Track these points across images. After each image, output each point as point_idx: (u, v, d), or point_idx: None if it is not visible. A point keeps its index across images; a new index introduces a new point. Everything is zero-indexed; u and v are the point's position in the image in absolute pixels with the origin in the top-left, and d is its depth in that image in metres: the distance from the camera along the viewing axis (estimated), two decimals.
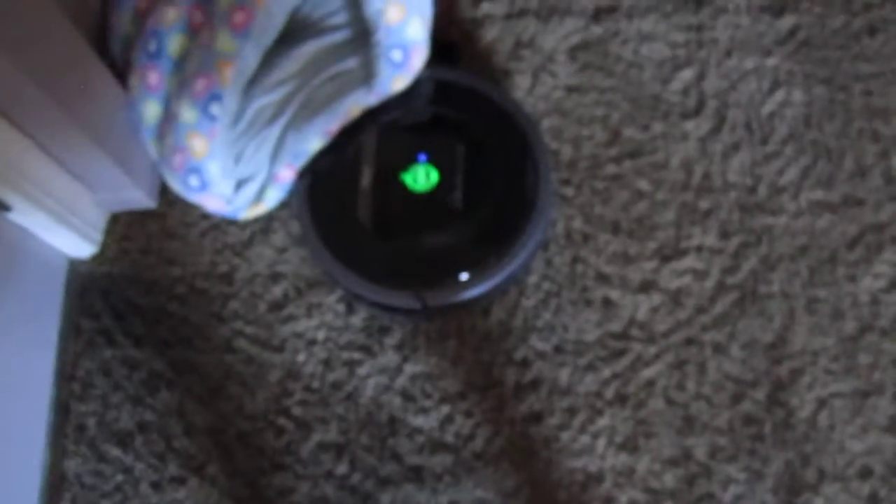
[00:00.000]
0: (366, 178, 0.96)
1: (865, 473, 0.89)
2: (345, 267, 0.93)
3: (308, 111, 0.96)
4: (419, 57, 0.94)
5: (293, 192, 0.98)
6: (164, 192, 1.06)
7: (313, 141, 0.96)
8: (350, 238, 0.95)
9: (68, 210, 0.96)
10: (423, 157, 0.98)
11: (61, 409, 0.96)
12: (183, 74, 0.94)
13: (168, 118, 0.95)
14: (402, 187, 0.96)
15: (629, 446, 0.91)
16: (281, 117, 0.97)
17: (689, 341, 0.95)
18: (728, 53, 1.09)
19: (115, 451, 0.94)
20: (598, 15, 1.13)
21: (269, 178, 0.97)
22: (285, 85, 0.98)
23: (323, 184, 0.97)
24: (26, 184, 0.89)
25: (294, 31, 1.00)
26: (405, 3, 0.92)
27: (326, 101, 0.96)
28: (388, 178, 0.96)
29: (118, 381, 0.97)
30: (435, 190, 0.96)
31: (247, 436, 0.94)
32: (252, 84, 0.97)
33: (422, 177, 0.96)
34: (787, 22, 1.10)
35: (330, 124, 0.96)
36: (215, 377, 0.97)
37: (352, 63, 0.97)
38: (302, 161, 0.97)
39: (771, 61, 1.08)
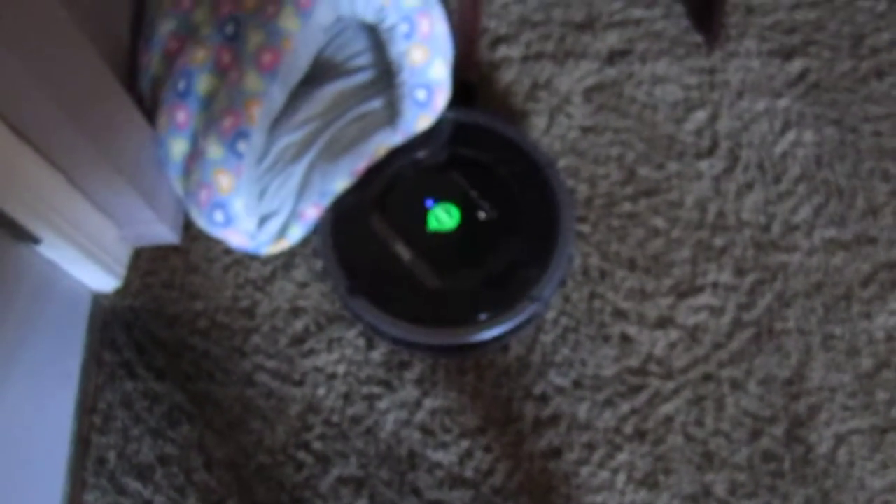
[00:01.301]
0: (404, 253, 0.97)
1: None
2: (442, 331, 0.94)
3: (334, 151, 0.99)
4: (442, 96, 0.97)
5: (343, 300, 0.98)
6: (188, 227, 1.08)
7: (340, 180, 0.98)
8: (418, 305, 0.95)
9: (95, 244, 0.98)
10: (430, 202, 1.00)
11: (82, 442, 0.97)
12: (211, 112, 0.96)
13: (195, 155, 0.97)
14: (437, 234, 0.98)
15: (649, 482, 0.91)
16: (305, 155, 0.99)
17: (707, 377, 0.96)
18: (740, 95, 1.12)
19: (134, 484, 0.95)
20: (612, 58, 1.16)
21: (293, 215, 0.99)
22: (309, 124, 1.01)
23: (372, 280, 0.97)
24: (56, 217, 0.90)
25: (319, 72, 1.03)
26: (428, 44, 0.95)
27: (352, 142, 0.98)
28: (420, 237, 0.98)
29: (139, 413, 0.98)
30: (464, 217, 0.98)
31: (266, 469, 0.94)
32: (277, 123, 1.00)
33: (443, 216, 0.98)
34: (796, 65, 1.14)
35: (356, 164, 0.98)
36: (236, 411, 0.97)
37: (376, 104, 1.00)
38: (328, 199, 0.99)
39: (782, 103, 1.11)
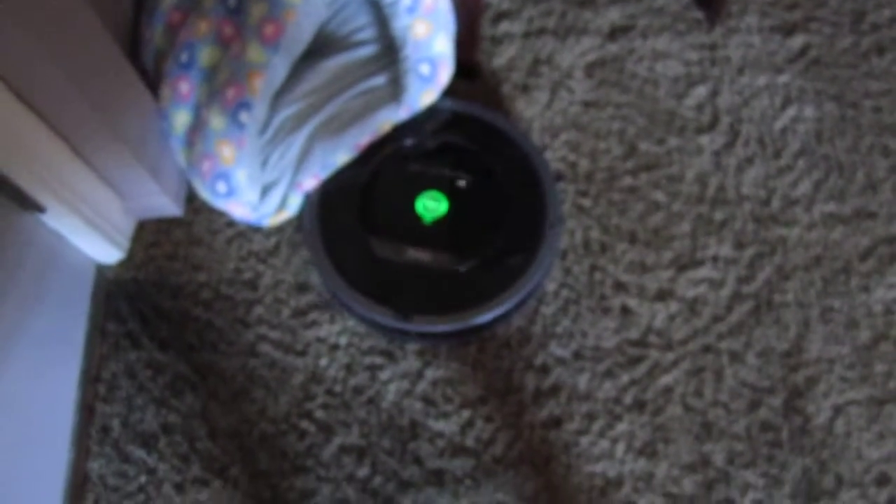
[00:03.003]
0: (422, 256, 0.97)
1: (883, 480, 0.90)
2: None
3: (338, 125, 0.99)
4: (446, 71, 0.97)
5: (396, 329, 0.97)
6: (191, 200, 1.08)
7: (342, 154, 0.98)
8: (453, 296, 0.95)
9: (99, 215, 0.98)
10: (412, 198, 1.00)
11: (86, 411, 0.97)
12: (213, 84, 0.97)
13: (198, 126, 0.98)
14: (436, 222, 0.98)
15: (648, 451, 0.92)
16: (305, 126, 1.00)
17: (706, 349, 0.97)
18: (741, 71, 1.12)
19: (138, 453, 0.95)
20: (613, 34, 1.16)
21: (293, 186, 1.00)
22: (311, 96, 1.01)
23: (408, 298, 0.96)
24: (61, 187, 0.91)
25: (322, 45, 1.03)
26: (431, 18, 0.95)
27: (356, 116, 0.99)
28: (423, 233, 0.98)
29: (143, 383, 0.99)
30: (451, 206, 0.99)
31: (269, 438, 0.95)
32: (279, 94, 1.00)
33: (431, 204, 0.99)
34: (797, 41, 1.14)
35: (359, 139, 0.98)
36: (239, 381, 0.98)
37: (381, 80, 1.00)
38: (328, 172, 0.99)
39: (782, 78, 1.11)
